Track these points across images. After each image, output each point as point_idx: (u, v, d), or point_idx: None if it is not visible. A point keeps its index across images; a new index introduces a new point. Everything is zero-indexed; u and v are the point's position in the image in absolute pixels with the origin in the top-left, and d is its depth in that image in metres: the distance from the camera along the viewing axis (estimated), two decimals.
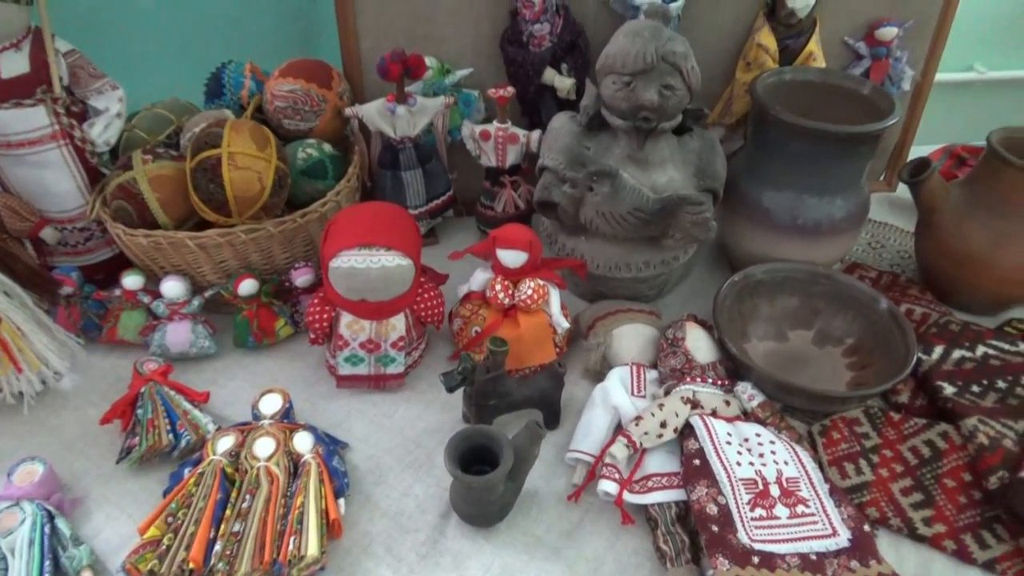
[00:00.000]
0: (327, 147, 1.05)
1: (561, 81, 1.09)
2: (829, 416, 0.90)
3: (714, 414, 0.85)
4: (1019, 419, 0.86)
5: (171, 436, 0.85)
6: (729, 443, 0.82)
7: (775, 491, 0.78)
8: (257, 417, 0.85)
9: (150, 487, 0.83)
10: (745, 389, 0.88)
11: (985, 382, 0.92)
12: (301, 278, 1.00)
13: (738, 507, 0.76)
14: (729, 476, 0.78)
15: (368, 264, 0.85)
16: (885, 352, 0.93)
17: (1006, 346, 0.96)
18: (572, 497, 0.82)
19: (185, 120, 1.06)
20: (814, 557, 0.73)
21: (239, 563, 0.72)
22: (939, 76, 1.79)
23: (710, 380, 0.89)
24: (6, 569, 0.71)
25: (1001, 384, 0.91)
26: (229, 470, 0.80)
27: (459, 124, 1.14)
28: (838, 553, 0.74)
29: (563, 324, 0.95)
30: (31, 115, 0.93)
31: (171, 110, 1.08)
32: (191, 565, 0.71)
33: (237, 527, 0.75)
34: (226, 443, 0.82)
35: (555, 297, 0.95)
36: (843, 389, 0.92)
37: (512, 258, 0.92)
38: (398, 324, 0.91)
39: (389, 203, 0.97)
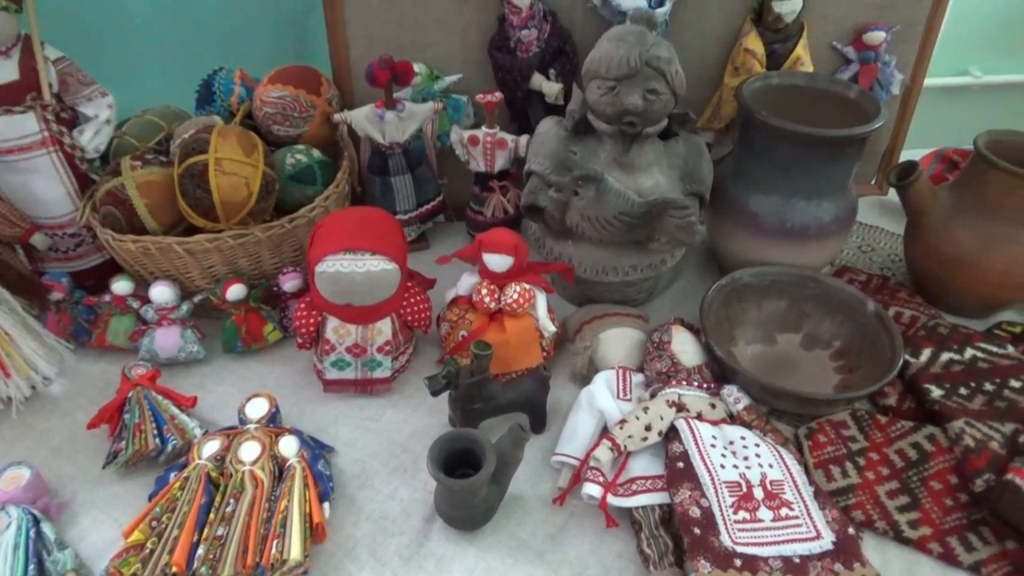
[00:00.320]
0: (316, 153, 1.06)
1: (549, 86, 1.09)
2: (816, 419, 0.90)
3: (699, 417, 0.85)
4: (1006, 421, 0.86)
5: (157, 440, 0.85)
6: (714, 446, 0.82)
7: (759, 494, 0.78)
8: (243, 421, 0.86)
9: (136, 491, 0.84)
10: (731, 392, 0.88)
11: (973, 384, 0.91)
12: (289, 283, 1.01)
13: (721, 510, 0.76)
14: (713, 479, 0.78)
15: (353, 268, 0.85)
16: (872, 355, 0.93)
17: (994, 348, 0.96)
18: (557, 500, 0.82)
19: (175, 127, 1.06)
20: (797, 560, 0.73)
21: (222, 567, 0.72)
22: (934, 80, 1.81)
23: (696, 383, 0.89)
24: None
25: (989, 386, 0.91)
26: (214, 474, 0.80)
27: (448, 130, 1.14)
28: (822, 556, 0.73)
29: (549, 328, 0.95)
30: (21, 122, 0.94)
31: (162, 117, 1.09)
32: (174, 569, 0.71)
33: (221, 531, 0.75)
34: (212, 447, 0.82)
35: (541, 301, 0.95)
36: (830, 392, 0.92)
37: (498, 262, 0.92)
38: (384, 328, 0.91)
39: (375, 208, 0.98)
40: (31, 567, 0.73)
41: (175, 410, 0.89)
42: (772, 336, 1.01)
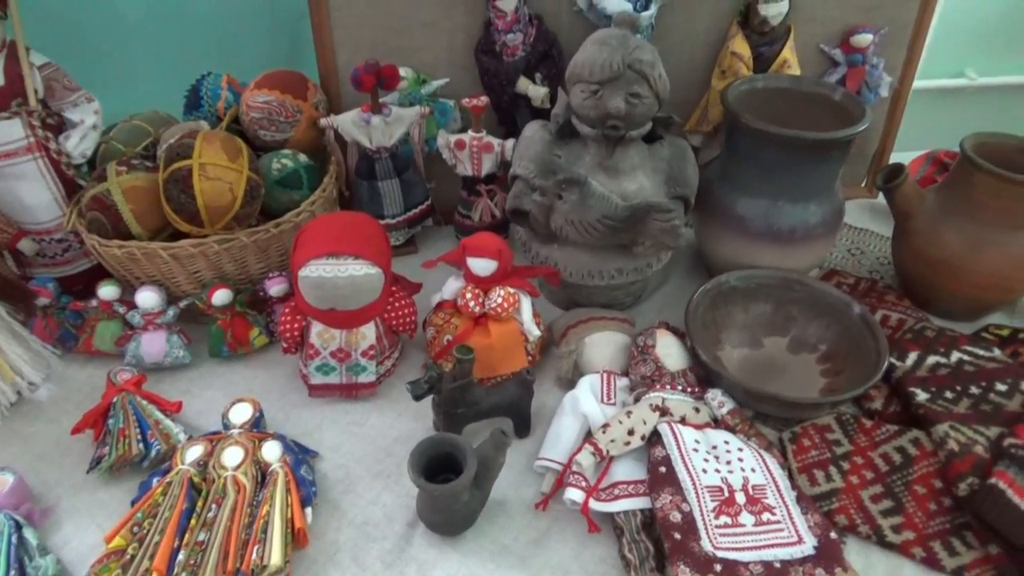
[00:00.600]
0: (302, 157, 1.06)
1: (535, 90, 1.09)
2: (801, 423, 0.90)
3: (683, 421, 0.85)
4: (991, 425, 0.85)
5: (141, 446, 0.85)
6: (696, 450, 0.82)
7: (741, 498, 0.78)
8: (227, 426, 0.86)
9: (120, 497, 0.84)
10: (715, 396, 0.88)
11: (959, 388, 0.91)
12: (275, 288, 1.01)
13: (703, 514, 0.76)
14: (694, 483, 0.78)
15: (336, 273, 0.85)
16: (858, 358, 0.93)
17: (981, 352, 0.96)
18: (540, 505, 0.82)
19: (163, 132, 1.07)
20: (778, 565, 0.72)
21: (203, 572, 0.72)
22: (930, 82, 1.81)
23: (680, 387, 0.89)
24: None
25: (974, 390, 0.91)
26: (197, 480, 0.80)
27: (435, 134, 1.14)
28: (803, 561, 0.73)
29: (534, 332, 0.95)
30: (6, 128, 0.94)
31: (149, 122, 1.09)
32: (155, 574, 0.71)
33: (202, 536, 0.75)
34: (195, 453, 0.82)
35: (526, 305, 0.95)
36: (815, 396, 0.92)
37: (482, 266, 0.92)
38: (368, 333, 0.91)
39: (358, 212, 0.98)
40: (12, 573, 0.73)
41: (160, 415, 0.89)
42: (759, 339, 1.01)
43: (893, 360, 0.94)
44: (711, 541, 0.73)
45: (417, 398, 0.82)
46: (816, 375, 0.96)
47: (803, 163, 0.98)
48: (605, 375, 0.92)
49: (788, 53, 1.13)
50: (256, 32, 1.35)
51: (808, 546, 0.74)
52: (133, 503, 0.80)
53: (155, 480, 0.81)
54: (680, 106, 1.19)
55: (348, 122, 1.08)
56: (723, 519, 0.76)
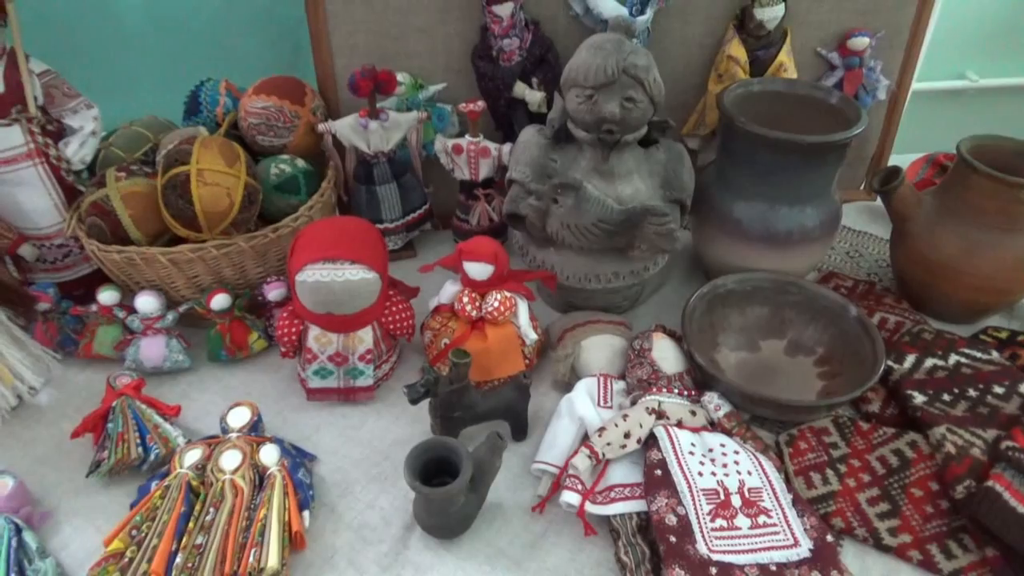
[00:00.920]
0: (300, 163, 1.07)
1: (531, 95, 1.10)
2: (798, 426, 0.90)
3: (680, 424, 0.85)
4: (988, 428, 0.85)
5: (140, 450, 0.86)
6: (692, 453, 0.82)
7: (737, 501, 0.78)
8: (225, 430, 0.86)
9: (119, 500, 0.84)
10: (711, 399, 0.88)
11: (956, 390, 0.91)
12: (274, 292, 1.01)
13: (698, 517, 0.76)
14: (690, 486, 0.78)
15: (333, 277, 0.85)
16: (855, 361, 0.93)
17: (979, 354, 0.96)
18: (536, 508, 0.82)
19: (162, 138, 1.07)
20: (774, 568, 0.73)
21: (200, 575, 0.72)
22: (931, 84, 1.81)
23: (676, 390, 0.89)
24: None
25: (972, 392, 0.91)
26: (195, 483, 0.80)
27: (433, 139, 1.15)
28: (799, 564, 0.73)
29: (531, 336, 0.96)
30: (6, 134, 0.95)
31: (148, 128, 1.10)
32: None
33: (200, 540, 0.75)
34: (193, 456, 0.83)
35: (523, 309, 0.95)
36: (812, 399, 0.92)
37: (478, 270, 0.92)
38: (365, 337, 0.92)
39: (354, 217, 0.98)
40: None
41: (159, 419, 0.89)
42: (756, 342, 1.01)
43: (891, 363, 0.94)
44: (707, 544, 0.73)
45: (413, 402, 0.83)
46: (813, 378, 0.96)
47: (799, 166, 0.98)
48: (602, 378, 0.92)
49: (784, 57, 1.13)
50: (255, 39, 1.36)
51: (804, 549, 0.74)
52: (132, 506, 0.81)
53: (154, 484, 0.81)
54: (677, 110, 1.20)
55: (346, 127, 1.09)
56: (719, 522, 0.76)
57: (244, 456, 0.82)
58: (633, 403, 0.87)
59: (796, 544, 0.75)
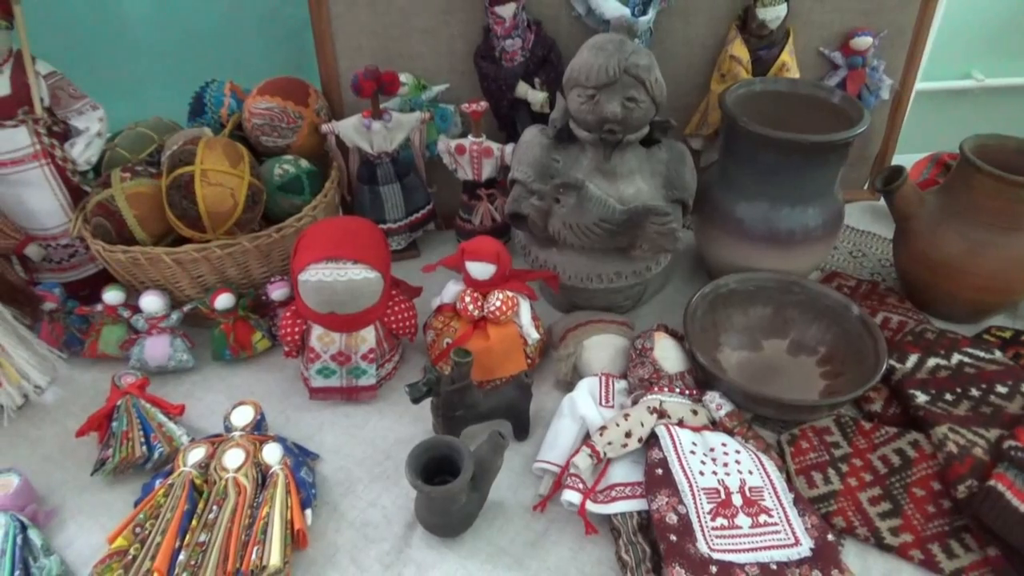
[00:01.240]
0: (304, 163, 1.07)
1: (534, 95, 1.10)
2: (800, 425, 0.90)
3: (681, 424, 0.85)
4: (991, 427, 0.85)
5: (144, 448, 0.86)
6: (693, 452, 0.82)
7: (738, 500, 0.78)
8: (228, 429, 0.87)
9: (124, 498, 0.85)
10: (713, 399, 0.88)
11: (959, 390, 0.91)
12: (277, 292, 1.02)
13: (699, 516, 0.76)
14: (691, 485, 0.78)
15: (335, 277, 0.86)
16: (857, 361, 0.93)
17: (982, 354, 0.95)
18: (538, 507, 0.82)
19: (166, 139, 1.08)
20: (774, 567, 0.73)
21: (203, 573, 0.73)
22: (936, 83, 1.81)
23: (678, 390, 0.89)
24: None
25: (975, 392, 0.90)
26: (198, 481, 0.81)
27: (436, 139, 1.15)
28: (800, 563, 0.73)
29: (533, 335, 0.96)
30: (13, 135, 0.96)
31: (153, 129, 1.10)
32: (156, 575, 0.72)
33: (203, 537, 0.76)
34: (197, 455, 0.83)
35: (525, 308, 0.96)
36: (814, 398, 0.92)
37: (480, 270, 0.93)
38: (368, 336, 0.92)
39: (357, 217, 0.99)
40: (17, 573, 0.74)
41: (163, 418, 0.90)
42: (758, 342, 1.01)
43: (893, 362, 0.94)
44: (707, 543, 0.73)
45: (415, 401, 0.83)
46: (815, 377, 0.96)
47: (801, 166, 0.98)
48: (604, 378, 0.92)
49: (787, 57, 1.13)
50: (259, 41, 1.36)
51: (804, 548, 0.74)
52: (136, 504, 0.81)
53: (158, 482, 0.82)
54: (680, 110, 1.20)
55: (349, 128, 1.09)
56: (719, 521, 0.76)
57: (247, 455, 0.83)
58: (635, 402, 0.87)
59: (797, 543, 0.75)
